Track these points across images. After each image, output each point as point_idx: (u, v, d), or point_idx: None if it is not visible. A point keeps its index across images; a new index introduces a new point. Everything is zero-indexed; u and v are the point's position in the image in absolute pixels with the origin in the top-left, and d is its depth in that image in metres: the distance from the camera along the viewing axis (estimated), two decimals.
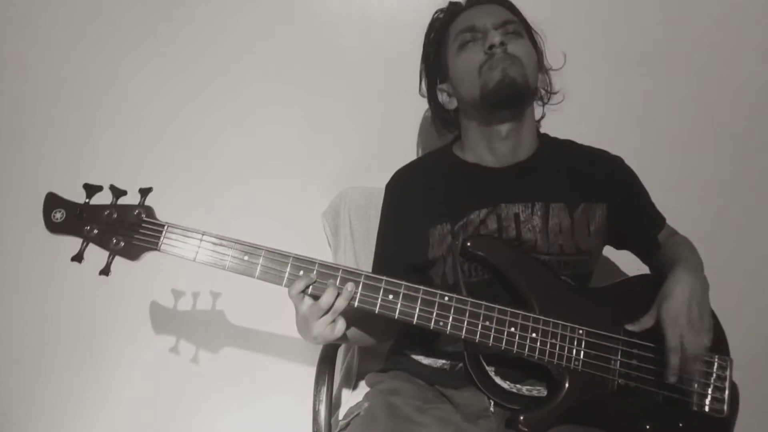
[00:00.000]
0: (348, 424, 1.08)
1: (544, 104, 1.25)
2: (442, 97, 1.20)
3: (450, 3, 1.20)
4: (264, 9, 1.56)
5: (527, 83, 1.08)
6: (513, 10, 1.18)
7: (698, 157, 1.55)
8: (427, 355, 1.17)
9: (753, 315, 1.46)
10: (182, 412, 1.66)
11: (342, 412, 1.21)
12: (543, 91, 1.23)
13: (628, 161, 1.21)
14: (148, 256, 0.97)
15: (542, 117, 1.25)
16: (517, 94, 1.08)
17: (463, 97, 1.15)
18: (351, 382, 1.39)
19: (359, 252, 1.41)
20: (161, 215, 0.99)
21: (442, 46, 1.18)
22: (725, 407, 1.02)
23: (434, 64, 1.21)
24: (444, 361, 1.15)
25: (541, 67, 1.20)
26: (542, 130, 1.24)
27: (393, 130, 1.54)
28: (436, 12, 1.21)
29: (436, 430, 1.03)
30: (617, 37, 1.54)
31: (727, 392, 1.03)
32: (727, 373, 1.04)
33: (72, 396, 1.65)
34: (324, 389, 1.23)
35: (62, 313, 1.63)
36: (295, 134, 1.59)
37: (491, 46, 1.08)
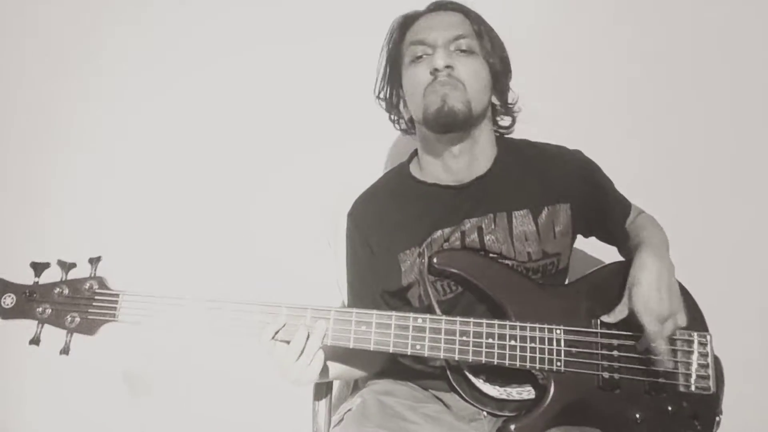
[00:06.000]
0: (341, 420, 1.08)
1: (501, 118, 1.20)
2: (401, 105, 1.19)
3: (408, 14, 1.17)
4: (264, 9, 1.57)
5: (468, 110, 1.05)
6: (472, 18, 1.13)
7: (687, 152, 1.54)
8: (418, 361, 1.15)
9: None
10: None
11: None
12: (499, 106, 1.17)
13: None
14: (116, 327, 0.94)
15: (510, 126, 1.21)
16: (456, 121, 1.05)
17: (412, 114, 1.14)
18: (350, 382, 1.38)
19: None
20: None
21: (399, 52, 1.15)
22: (711, 383, 1.02)
23: (393, 70, 1.18)
24: (433, 369, 1.14)
25: (500, 81, 1.14)
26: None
27: (394, 131, 1.54)
28: (396, 18, 1.18)
29: (428, 428, 1.03)
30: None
31: (711, 368, 1.03)
32: (708, 348, 1.04)
33: None
34: (323, 389, 1.22)
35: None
36: (295, 135, 1.61)
37: (435, 70, 1.05)
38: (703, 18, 1.52)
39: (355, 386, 1.32)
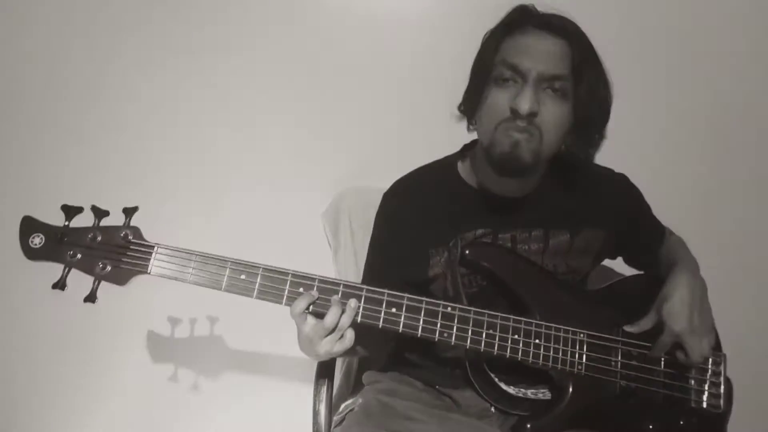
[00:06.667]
0: (343, 420, 1.07)
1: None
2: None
3: (511, 20, 1.02)
4: (264, 7, 1.55)
5: (536, 161, 0.98)
6: (577, 49, 0.98)
7: (699, 159, 1.58)
8: (427, 358, 1.15)
9: (743, 309, 1.50)
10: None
11: None
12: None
13: (628, 161, 1.19)
14: (141, 283, 0.92)
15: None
16: (519, 170, 0.99)
17: (477, 133, 1.07)
18: (350, 382, 1.38)
19: (359, 252, 1.38)
20: (155, 219, 0.95)
21: (490, 61, 1.01)
22: (722, 402, 1.05)
23: (480, 74, 1.03)
24: (443, 366, 1.13)
25: (584, 131, 1.02)
26: None
27: (394, 130, 1.54)
28: (509, 13, 1.03)
29: (432, 425, 1.02)
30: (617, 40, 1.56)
31: (722, 387, 1.05)
32: (722, 368, 1.07)
33: None
34: (324, 389, 1.21)
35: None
36: (295, 134, 1.59)
37: (516, 112, 0.95)
38: (702, 19, 1.57)
39: (356, 384, 1.31)
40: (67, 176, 1.50)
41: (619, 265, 1.25)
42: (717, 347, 1.09)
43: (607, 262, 1.24)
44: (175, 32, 1.55)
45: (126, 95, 1.55)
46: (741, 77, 1.59)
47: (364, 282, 1.16)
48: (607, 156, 1.18)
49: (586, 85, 0.98)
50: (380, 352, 1.18)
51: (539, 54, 0.97)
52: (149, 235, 0.93)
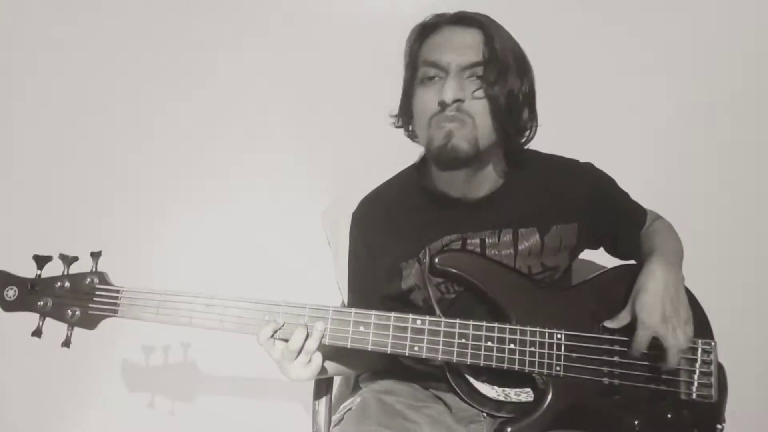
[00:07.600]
0: (341, 419, 1.09)
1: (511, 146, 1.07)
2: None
3: (427, 22, 1.05)
4: (264, 10, 1.59)
5: (475, 148, 0.98)
6: (490, 37, 0.99)
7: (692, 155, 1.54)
8: (419, 361, 1.15)
9: (740, 297, 1.45)
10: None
11: None
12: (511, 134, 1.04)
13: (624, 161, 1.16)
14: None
15: (525, 142, 1.09)
16: (459, 161, 0.99)
17: (418, 137, 1.08)
18: (350, 382, 1.39)
19: None
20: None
21: (415, 64, 1.05)
22: (713, 392, 1.01)
23: (408, 81, 1.07)
24: (434, 369, 1.13)
25: (509, 114, 1.00)
26: None
27: (394, 131, 1.53)
28: (415, 26, 1.07)
29: (427, 429, 1.03)
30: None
31: (713, 376, 1.02)
32: (712, 356, 1.03)
33: None
34: (324, 389, 1.23)
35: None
36: (295, 135, 1.62)
37: (443, 103, 0.97)
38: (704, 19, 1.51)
39: (356, 385, 1.32)
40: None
41: (601, 257, 1.21)
42: (708, 335, 1.05)
43: (590, 256, 1.20)
44: (176, 33, 1.59)
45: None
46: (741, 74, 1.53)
47: (348, 302, 1.18)
48: (606, 154, 1.17)
49: (505, 67, 0.99)
50: (363, 369, 1.19)
51: (456, 46, 0.99)
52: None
